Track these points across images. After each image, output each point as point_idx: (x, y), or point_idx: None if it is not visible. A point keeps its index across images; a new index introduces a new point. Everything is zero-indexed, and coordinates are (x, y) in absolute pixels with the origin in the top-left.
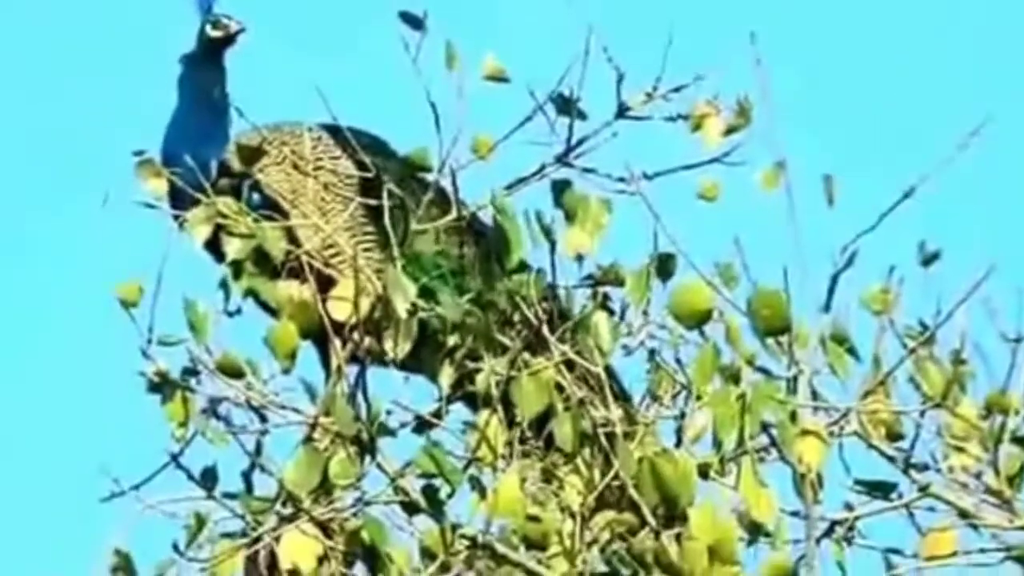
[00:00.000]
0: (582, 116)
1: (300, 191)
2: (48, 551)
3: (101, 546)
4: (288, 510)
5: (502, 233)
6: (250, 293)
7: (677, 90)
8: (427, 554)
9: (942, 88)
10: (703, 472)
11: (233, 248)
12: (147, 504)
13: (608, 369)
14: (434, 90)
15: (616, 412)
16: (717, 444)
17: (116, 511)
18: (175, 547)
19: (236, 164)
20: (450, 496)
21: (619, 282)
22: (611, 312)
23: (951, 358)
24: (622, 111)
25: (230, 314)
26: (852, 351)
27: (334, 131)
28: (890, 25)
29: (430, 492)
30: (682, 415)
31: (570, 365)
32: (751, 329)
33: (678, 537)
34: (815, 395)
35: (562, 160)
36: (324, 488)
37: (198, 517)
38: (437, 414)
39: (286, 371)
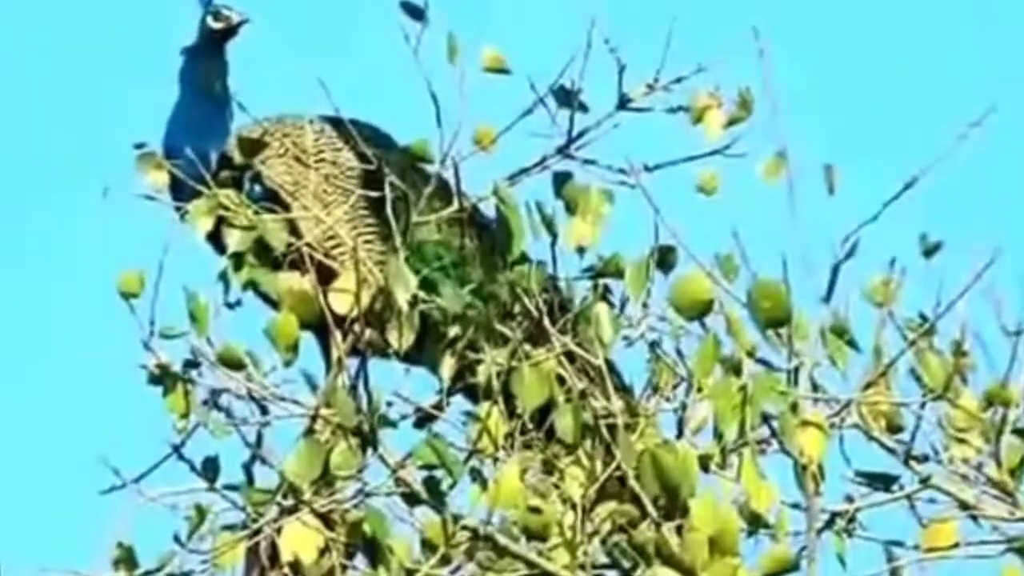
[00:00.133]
0: (583, 108)
1: (302, 183)
2: (50, 543)
3: (103, 538)
4: (289, 502)
5: (504, 224)
6: (251, 285)
7: (678, 81)
8: (428, 546)
9: (943, 78)
10: (704, 464)
11: (234, 240)
12: (148, 496)
13: (608, 363)
14: (435, 82)
15: (617, 403)
16: (718, 436)
17: (117, 503)
18: (176, 539)
19: (237, 156)
20: (451, 487)
21: (620, 274)
22: (612, 304)
23: (952, 349)
24: (623, 103)
25: (230, 306)
26: (852, 343)
27: (336, 123)
28: (891, 16)
29: (431, 483)
30: (683, 407)
31: (571, 357)
32: (752, 321)
33: (679, 529)
34: (815, 387)
35: (563, 152)
36: (325, 480)
37: (199, 509)
38: (438, 406)
39: (287, 363)
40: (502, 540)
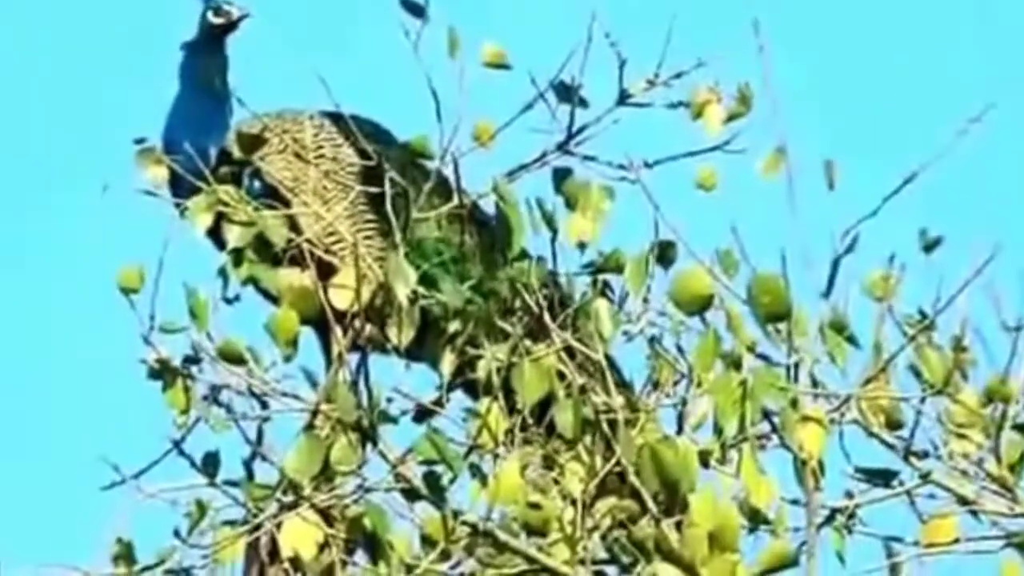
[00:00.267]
0: (583, 103)
1: (301, 179)
2: (50, 539)
3: (103, 534)
4: (289, 497)
5: (504, 220)
6: (251, 281)
7: (678, 76)
8: (428, 541)
9: (944, 74)
10: (704, 460)
11: (234, 236)
12: (148, 492)
13: (607, 358)
14: (435, 78)
15: (617, 399)
16: (718, 431)
17: (117, 499)
18: (177, 534)
19: (237, 152)
20: (451, 483)
21: (620, 269)
22: (612, 300)
23: (952, 345)
24: (623, 98)
25: (228, 301)
26: (851, 339)
27: (336, 119)
28: (892, 11)
29: (431, 479)
30: (683, 402)
31: (571, 352)
32: (752, 316)
33: (679, 524)
34: (815, 382)
35: (563, 148)
36: (325, 475)
37: (199, 504)
38: (438, 402)
39: (287, 358)
40: (502, 536)
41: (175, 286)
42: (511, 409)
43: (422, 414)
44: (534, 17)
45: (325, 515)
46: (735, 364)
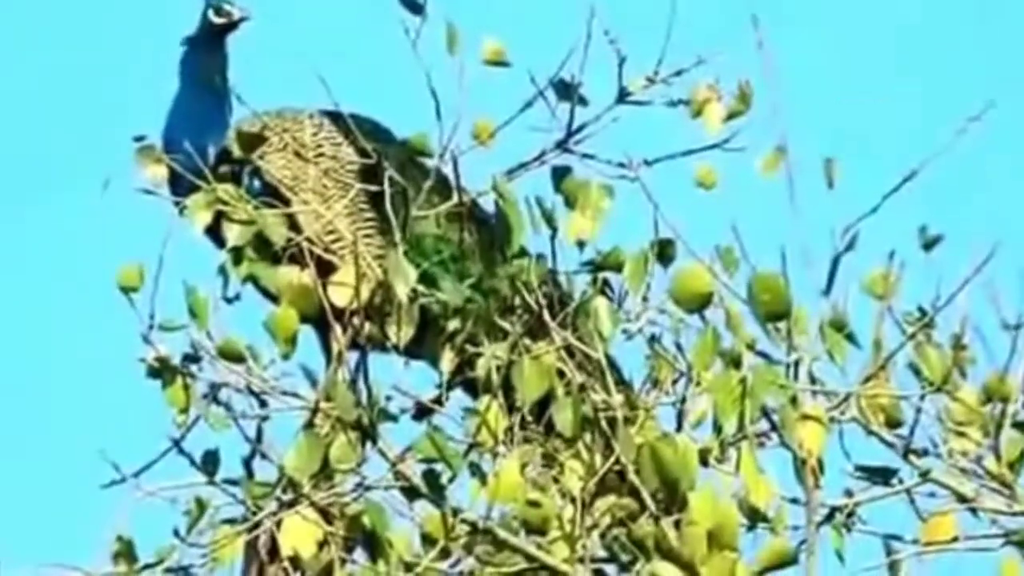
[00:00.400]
0: (583, 102)
1: (301, 178)
2: (50, 538)
3: (102, 533)
4: (289, 495)
5: (503, 218)
6: (250, 279)
7: (678, 74)
8: (427, 539)
9: (944, 73)
10: (703, 458)
11: (233, 234)
12: (148, 490)
13: (607, 357)
14: (434, 76)
15: (617, 397)
16: (717, 429)
17: (117, 497)
18: (176, 533)
19: (237, 150)
20: (451, 481)
21: (619, 268)
22: (611, 298)
23: (952, 343)
24: (623, 96)
25: (228, 300)
26: (851, 337)
27: (335, 117)
28: (892, 11)
29: (431, 477)
30: (682, 400)
31: (570, 351)
32: (751, 314)
33: (678, 523)
34: (815, 380)
35: (562, 146)
36: (325, 473)
37: (199, 503)
38: (438, 400)
39: (286, 356)
40: (501, 534)
41: (175, 285)
42: (510, 407)
43: (422, 412)
44: (533, 15)
45: (324, 513)
46: (735, 362)
